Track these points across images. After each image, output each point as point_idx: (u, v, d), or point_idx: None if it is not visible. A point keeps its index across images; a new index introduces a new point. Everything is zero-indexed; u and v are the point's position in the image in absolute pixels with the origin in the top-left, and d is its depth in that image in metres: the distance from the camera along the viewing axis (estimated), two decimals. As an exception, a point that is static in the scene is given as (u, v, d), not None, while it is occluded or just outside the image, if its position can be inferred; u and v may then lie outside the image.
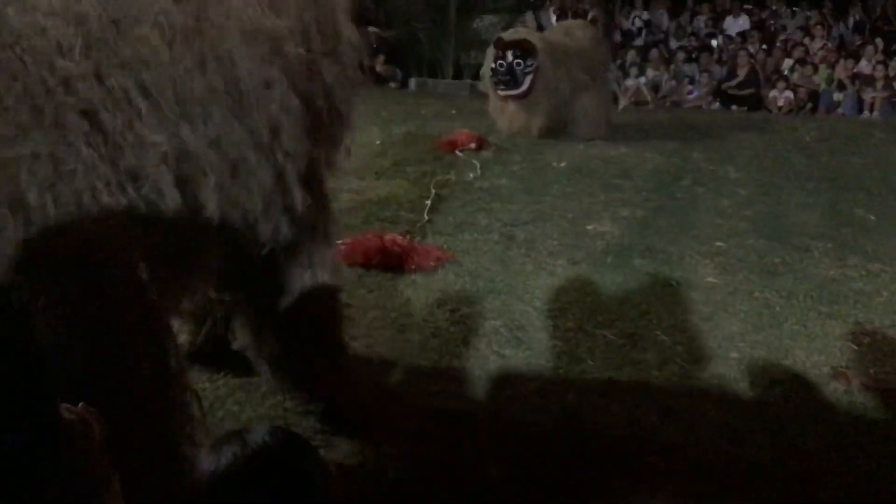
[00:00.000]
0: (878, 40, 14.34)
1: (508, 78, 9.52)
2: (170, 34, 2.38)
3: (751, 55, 14.38)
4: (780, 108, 13.52)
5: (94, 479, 1.34)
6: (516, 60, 9.45)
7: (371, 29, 14.94)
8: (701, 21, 16.64)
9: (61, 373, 1.48)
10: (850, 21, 15.88)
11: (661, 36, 16.28)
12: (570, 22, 12.57)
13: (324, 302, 3.21)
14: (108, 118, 2.21)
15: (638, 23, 16.77)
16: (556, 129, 9.75)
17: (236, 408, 3.39)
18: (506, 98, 9.74)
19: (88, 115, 2.18)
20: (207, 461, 1.38)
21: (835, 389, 3.84)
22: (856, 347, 4.27)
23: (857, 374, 3.97)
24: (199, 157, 2.43)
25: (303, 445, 1.44)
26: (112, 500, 1.34)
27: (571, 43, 9.99)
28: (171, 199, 2.35)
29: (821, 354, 4.17)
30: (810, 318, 4.60)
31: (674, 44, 15.83)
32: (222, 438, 1.41)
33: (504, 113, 9.93)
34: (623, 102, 12.80)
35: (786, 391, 3.82)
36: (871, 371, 4.02)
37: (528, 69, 9.44)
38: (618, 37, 16.26)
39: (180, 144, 2.38)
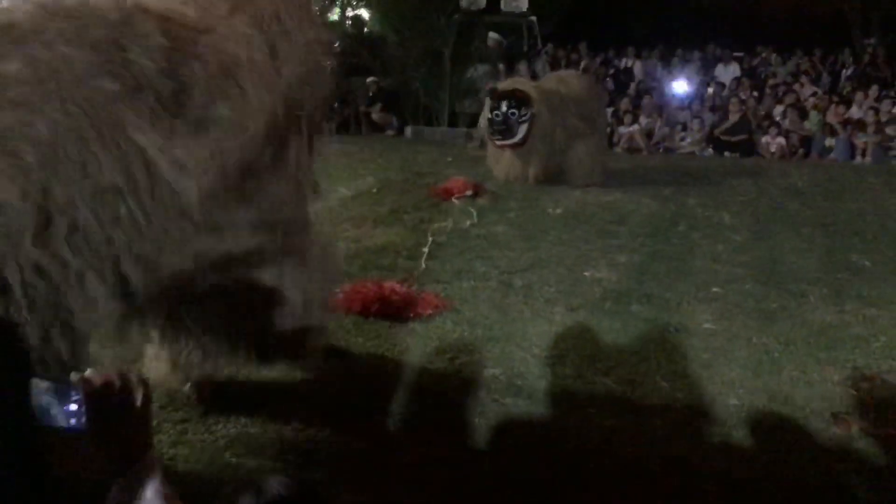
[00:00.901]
0: (874, 87, 14.53)
1: (504, 127, 9.66)
2: None
3: (742, 102, 14.57)
4: (772, 154, 13.66)
5: None
6: (511, 110, 9.59)
7: (369, 79, 15.17)
8: (692, 69, 16.91)
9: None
10: (850, 70, 16.12)
11: (654, 84, 16.52)
12: (564, 71, 12.77)
13: None
14: None
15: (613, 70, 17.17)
16: (552, 176, 9.85)
17: (234, 459, 3.36)
18: (502, 147, 9.86)
19: None
20: None
21: (835, 435, 3.83)
22: (854, 393, 4.26)
23: (856, 420, 3.96)
24: None
25: (315, 496, 1.43)
26: None
27: (566, 91, 10.13)
28: None
29: (820, 400, 4.16)
30: (809, 364, 4.60)
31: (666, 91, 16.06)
32: (235, 490, 1.39)
33: (500, 161, 10.04)
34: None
35: (786, 437, 3.81)
36: (871, 416, 4.01)
37: (524, 118, 9.58)
38: (611, 84, 16.52)
39: None
